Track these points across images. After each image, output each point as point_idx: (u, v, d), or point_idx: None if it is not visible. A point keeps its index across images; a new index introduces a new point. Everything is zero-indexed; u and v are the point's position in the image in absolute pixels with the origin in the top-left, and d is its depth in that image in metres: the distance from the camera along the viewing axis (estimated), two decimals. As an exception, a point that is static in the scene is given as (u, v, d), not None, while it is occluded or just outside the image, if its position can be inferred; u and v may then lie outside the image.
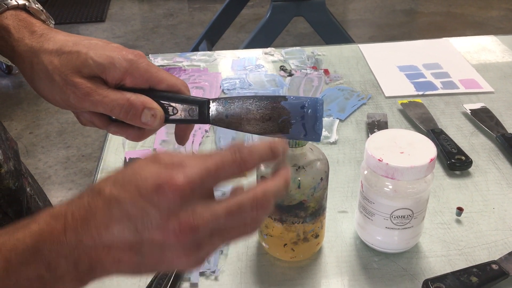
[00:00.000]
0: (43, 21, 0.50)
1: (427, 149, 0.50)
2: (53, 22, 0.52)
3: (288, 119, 0.41)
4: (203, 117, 0.45)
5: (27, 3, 0.49)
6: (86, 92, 0.44)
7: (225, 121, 0.44)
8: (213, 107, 0.45)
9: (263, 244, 0.56)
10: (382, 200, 0.51)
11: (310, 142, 0.51)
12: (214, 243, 0.37)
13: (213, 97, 0.86)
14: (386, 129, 0.53)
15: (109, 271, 0.36)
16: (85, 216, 0.36)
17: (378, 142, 0.52)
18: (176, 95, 0.46)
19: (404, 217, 0.52)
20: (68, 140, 2.18)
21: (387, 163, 0.49)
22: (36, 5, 0.50)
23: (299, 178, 0.50)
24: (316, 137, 0.40)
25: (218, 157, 0.37)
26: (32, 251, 0.35)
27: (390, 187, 0.50)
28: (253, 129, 0.43)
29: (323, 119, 0.44)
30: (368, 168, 0.52)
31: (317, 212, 0.53)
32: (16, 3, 0.47)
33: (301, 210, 0.51)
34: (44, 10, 0.51)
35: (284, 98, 0.42)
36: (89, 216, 0.35)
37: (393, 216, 0.52)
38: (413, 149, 0.50)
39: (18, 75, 2.59)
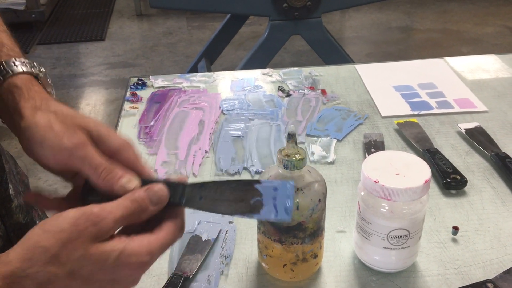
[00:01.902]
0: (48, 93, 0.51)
1: (422, 171, 0.52)
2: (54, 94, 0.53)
3: (260, 200, 0.42)
4: (175, 200, 0.44)
5: (40, 74, 0.51)
6: (82, 142, 0.44)
7: (198, 203, 0.44)
8: (188, 190, 0.44)
9: (263, 264, 0.57)
10: (379, 221, 0.52)
11: (308, 164, 0.53)
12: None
13: (213, 118, 0.88)
14: (382, 151, 0.54)
15: None
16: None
17: (374, 164, 0.53)
18: (158, 177, 0.46)
19: (400, 237, 0.53)
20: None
21: (383, 185, 0.50)
22: (48, 79, 0.52)
23: (297, 200, 0.51)
24: (287, 218, 0.41)
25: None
26: None
27: (387, 208, 0.52)
28: (226, 210, 0.43)
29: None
30: (365, 189, 0.53)
31: (315, 232, 0.54)
32: (33, 70, 0.50)
33: (299, 231, 0.52)
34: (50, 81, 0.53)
35: (258, 181, 0.43)
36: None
37: (390, 236, 0.53)
38: (409, 171, 0.52)
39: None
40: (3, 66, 0.48)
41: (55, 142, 0.44)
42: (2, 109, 0.49)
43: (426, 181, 0.50)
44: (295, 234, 0.53)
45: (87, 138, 0.45)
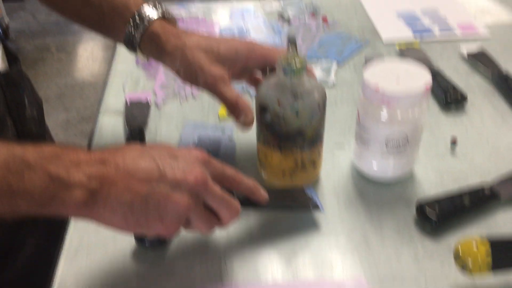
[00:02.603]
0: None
1: (422, 78, 0.51)
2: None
3: (314, 201, 0.54)
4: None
5: (166, 15, 0.59)
6: (212, 82, 0.54)
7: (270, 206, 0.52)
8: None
9: (262, 174, 0.58)
10: (377, 127, 0.53)
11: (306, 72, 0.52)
12: (202, 213, 0.44)
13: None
14: (383, 60, 0.54)
15: (115, 198, 0.40)
16: (114, 150, 0.43)
17: (375, 71, 0.52)
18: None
19: (399, 143, 0.53)
20: (68, 104, 2.18)
21: (384, 91, 0.50)
22: (169, 14, 0.60)
23: (297, 106, 0.51)
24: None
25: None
26: (53, 154, 0.40)
27: (386, 114, 0.52)
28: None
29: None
30: (365, 96, 0.53)
31: (314, 140, 0.54)
32: (158, 16, 0.57)
33: (299, 138, 0.53)
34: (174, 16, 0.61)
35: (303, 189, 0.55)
36: (119, 151, 0.43)
37: (388, 143, 0.53)
38: (409, 78, 0.51)
39: (15, 41, 2.58)
40: (140, 17, 0.56)
41: (202, 65, 0.54)
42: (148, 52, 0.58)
43: (426, 88, 0.50)
44: (294, 140, 0.53)
45: (217, 70, 0.54)
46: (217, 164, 0.46)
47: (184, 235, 0.52)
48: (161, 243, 0.50)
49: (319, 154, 0.56)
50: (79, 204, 0.40)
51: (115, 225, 0.42)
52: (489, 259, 0.42)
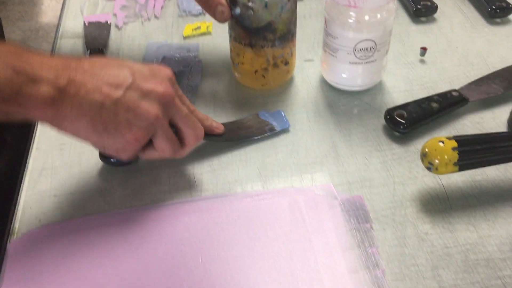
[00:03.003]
0: None
1: (390, -24, 0.49)
2: None
3: (271, 124, 0.53)
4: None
5: None
6: None
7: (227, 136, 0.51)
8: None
9: (235, 74, 0.57)
10: (345, 33, 0.51)
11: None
12: (166, 129, 0.43)
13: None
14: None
15: (84, 98, 0.39)
16: (80, 58, 0.41)
17: (340, -27, 0.50)
18: None
19: (367, 49, 0.52)
20: (33, 47, 2.09)
21: (350, -10, 0.48)
22: None
23: (265, -3, 0.49)
24: (288, 124, 0.53)
25: None
26: (17, 52, 0.38)
27: (353, 17, 0.50)
28: (248, 135, 0.53)
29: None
30: (331, 0, 0.51)
31: (285, 36, 0.53)
32: None
33: (269, 32, 0.51)
34: None
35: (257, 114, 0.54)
36: (85, 59, 0.41)
37: (357, 49, 0.52)
38: (376, -23, 0.49)
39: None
40: None
41: None
42: None
43: (393, -16, 0.48)
44: (265, 35, 0.52)
45: None
46: (180, 90, 0.46)
47: (152, 153, 0.51)
48: (127, 160, 0.49)
49: (291, 53, 0.55)
50: (45, 100, 0.38)
51: (81, 130, 0.40)
52: (456, 155, 0.42)
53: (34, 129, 0.55)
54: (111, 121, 0.40)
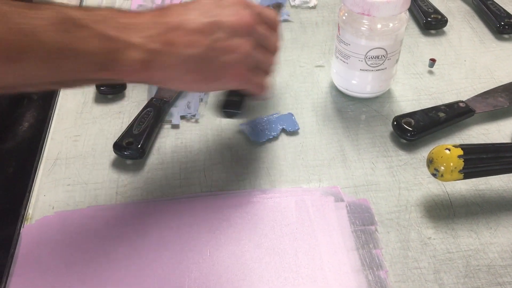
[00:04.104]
0: None
1: (403, -13, 0.51)
2: None
3: None
4: None
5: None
6: None
7: None
8: None
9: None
10: (357, 40, 0.52)
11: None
12: (261, 51, 0.44)
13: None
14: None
15: (178, 54, 0.40)
16: (163, 11, 0.41)
17: (356, -18, 0.52)
18: None
19: (378, 57, 0.53)
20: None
21: (364, -1, 0.49)
22: None
23: None
24: None
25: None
26: (104, 17, 0.38)
27: (366, 25, 0.51)
28: None
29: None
30: (345, 7, 0.52)
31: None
32: None
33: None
34: None
35: None
36: (165, 9, 0.41)
37: (368, 57, 0.53)
38: (390, -13, 0.51)
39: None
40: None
41: None
42: None
43: (407, -5, 0.50)
44: None
45: None
46: (256, 5, 0.45)
47: (163, 146, 0.53)
48: (140, 153, 0.50)
49: None
50: (138, 65, 0.39)
51: (181, 84, 0.42)
52: (461, 162, 0.43)
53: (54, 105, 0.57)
54: (208, 68, 0.41)
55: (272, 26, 0.46)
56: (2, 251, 0.44)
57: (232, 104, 0.50)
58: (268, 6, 0.68)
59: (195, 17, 0.41)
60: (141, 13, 0.41)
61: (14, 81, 0.36)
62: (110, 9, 0.40)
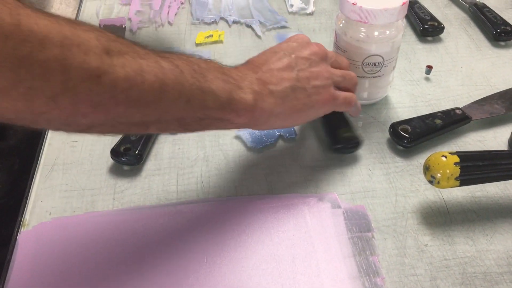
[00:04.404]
0: None
1: (400, -5, 0.51)
2: None
3: None
4: None
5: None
6: None
7: None
8: None
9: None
10: (355, 48, 0.53)
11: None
12: (337, 72, 0.50)
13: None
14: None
15: (274, 91, 0.45)
16: (248, 61, 0.48)
17: (353, -11, 0.52)
18: None
19: (375, 64, 0.53)
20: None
21: (361, 6, 0.50)
22: None
23: None
24: None
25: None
26: (218, 68, 0.43)
27: (363, 32, 0.52)
28: None
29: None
30: (342, 15, 0.52)
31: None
32: None
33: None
34: None
35: None
36: (252, 60, 0.48)
37: (365, 64, 0.53)
38: (387, -5, 0.51)
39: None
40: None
41: None
42: None
43: (403, 3, 0.50)
44: None
45: None
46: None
47: (160, 152, 0.53)
48: (137, 159, 0.51)
49: None
50: (250, 104, 0.43)
51: (284, 113, 0.46)
52: (457, 169, 0.43)
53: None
54: (301, 97, 0.46)
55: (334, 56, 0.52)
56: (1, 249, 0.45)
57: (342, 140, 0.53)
58: None
59: (278, 59, 0.47)
60: (233, 67, 0.46)
61: (153, 117, 0.38)
62: (213, 62, 0.44)
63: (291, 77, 0.46)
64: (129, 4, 0.76)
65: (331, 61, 0.50)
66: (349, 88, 0.51)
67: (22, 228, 0.45)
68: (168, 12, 0.75)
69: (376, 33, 0.51)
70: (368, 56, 0.53)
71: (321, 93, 0.47)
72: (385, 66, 0.54)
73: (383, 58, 0.53)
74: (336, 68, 0.50)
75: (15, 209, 0.49)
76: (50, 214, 0.47)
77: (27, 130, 0.62)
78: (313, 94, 0.47)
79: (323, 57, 0.49)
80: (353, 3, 0.50)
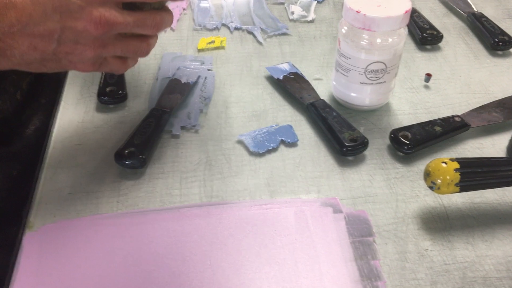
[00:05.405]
0: None
1: (402, 3, 0.52)
2: None
3: None
4: None
5: None
6: None
7: None
8: None
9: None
10: (358, 54, 0.54)
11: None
12: (116, 47, 0.44)
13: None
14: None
15: (21, 57, 0.40)
16: (4, 5, 0.37)
17: (356, -2, 0.53)
18: None
19: (377, 71, 0.54)
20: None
21: (365, 14, 0.50)
22: None
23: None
24: None
25: None
26: None
27: (366, 39, 0.52)
28: None
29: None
30: (346, 22, 0.53)
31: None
32: None
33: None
34: None
35: None
36: (10, 5, 0.37)
37: (368, 71, 0.54)
38: (390, 3, 0.52)
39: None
40: None
41: None
42: None
43: (406, 11, 0.51)
44: None
45: None
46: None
47: (164, 156, 0.53)
48: (141, 163, 0.51)
49: None
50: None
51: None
52: (457, 176, 0.44)
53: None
54: (55, 66, 0.43)
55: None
56: (3, 253, 0.45)
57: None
58: None
59: (41, 21, 0.39)
60: None
61: None
62: None
63: (46, 49, 0.41)
64: None
65: (124, 31, 0.44)
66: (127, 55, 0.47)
67: (27, 230, 0.45)
68: (171, 18, 0.75)
69: (379, 41, 0.52)
70: (371, 63, 0.54)
71: (76, 67, 0.44)
72: (387, 73, 0.55)
73: (385, 65, 0.54)
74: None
75: (13, 216, 0.49)
76: (54, 216, 0.47)
77: (31, 136, 0.62)
78: (67, 67, 0.44)
79: (102, 35, 0.43)
80: (357, 11, 0.51)
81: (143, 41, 0.46)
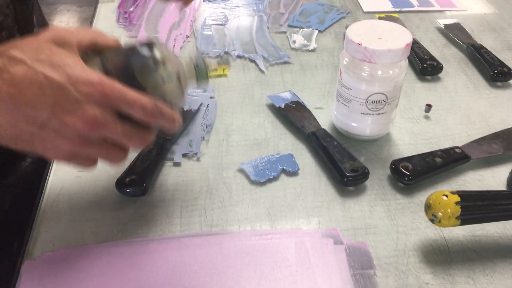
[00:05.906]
0: None
1: (403, 36, 0.53)
2: None
3: None
4: None
5: None
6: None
7: None
8: None
9: (244, 130, 0.59)
10: (359, 85, 0.54)
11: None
12: (94, 149, 0.41)
13: (194, 7, 0.87)
14: (366, 19, 0.55)
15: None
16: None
17: (358, 30, 0.54)
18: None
19: (378, 102, 0.55)
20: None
21: (366, 47, 0.51)
22: None
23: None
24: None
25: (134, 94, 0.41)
26: None
27: (368, 71, 0.53)
28: None
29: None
30: (348, 54, 0.54)
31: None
32: None
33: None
34: None
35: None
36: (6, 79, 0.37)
37: (369, 101, 0.55)
38: (391, 36, 0.53)
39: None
40: None
41: None
42: None
43: (407, 44, 0.51)
44: None
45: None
46: (117, 92, 0.40)
47: (165, 184, 0.53)
48: (143, 191, 0.51)
49: None
50: None
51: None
52: (458, 209, 0.44)
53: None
54: (26, 146, 0.40)
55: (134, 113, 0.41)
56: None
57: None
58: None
59: (32, 97, 0.37)
60: None
61: None
62: None
63: (26, 132, 0.39)
64: (136, 37, 0.78)
65: (108, 137, 0.41)
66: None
67: (26, 258, 0.45)
68: (174, 45, 0.76)
69: (380, 72, 0.53)
70: (372, 94, 0.54)
71: (52, 156, 0.41)
72: (388, 104, 0.55)
73: (386, 96, 0.54)
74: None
75: (6, 249, 0.48)
76: (53, 244, 0.47)
77: (28, 168, 0.62)
78: (42, 151, 0.40)
79: (86, 135, 0.40)
80: (358, 43, 0.51)
81: (121, 151, 0.44)
